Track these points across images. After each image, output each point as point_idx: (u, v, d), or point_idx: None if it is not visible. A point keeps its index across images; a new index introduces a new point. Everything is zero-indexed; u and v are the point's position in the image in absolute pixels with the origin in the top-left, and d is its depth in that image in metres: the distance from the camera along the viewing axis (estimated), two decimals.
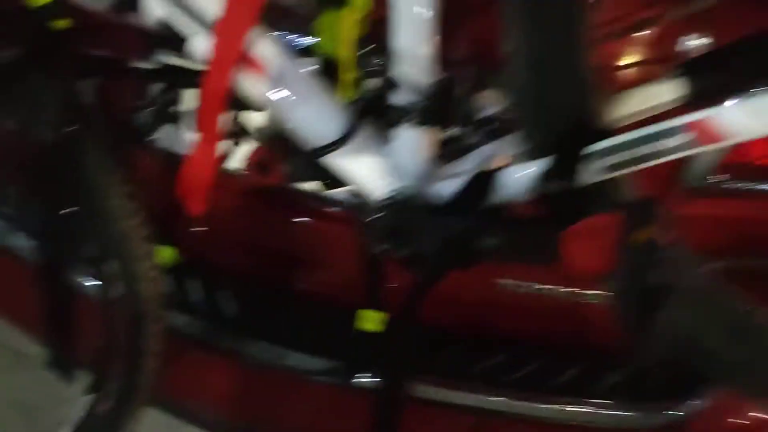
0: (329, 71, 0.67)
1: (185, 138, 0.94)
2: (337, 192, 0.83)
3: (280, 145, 0.72)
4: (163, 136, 0.93)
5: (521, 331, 0.91)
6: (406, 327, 0.78)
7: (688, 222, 0.80)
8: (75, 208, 0.78)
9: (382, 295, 0.81)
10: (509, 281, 0.87)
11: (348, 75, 0.68)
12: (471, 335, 0.92)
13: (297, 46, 0.83)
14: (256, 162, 0.78)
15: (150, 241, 0.81)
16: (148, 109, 0.84)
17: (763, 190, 0.80)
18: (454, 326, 0.90)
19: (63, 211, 0.79)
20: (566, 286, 0.87)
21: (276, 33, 0.81)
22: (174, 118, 0.86)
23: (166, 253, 0.90)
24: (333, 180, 0.73)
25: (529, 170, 0.59)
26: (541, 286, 0.87)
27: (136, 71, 0.90)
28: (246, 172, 0.86)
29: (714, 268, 0.64)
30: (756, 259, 0.77)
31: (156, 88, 0.87)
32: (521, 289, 0.87)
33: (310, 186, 0.96)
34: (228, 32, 0.59)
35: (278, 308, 1.02)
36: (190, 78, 0.79)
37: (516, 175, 0.60)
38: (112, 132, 0.81)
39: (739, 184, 0.81)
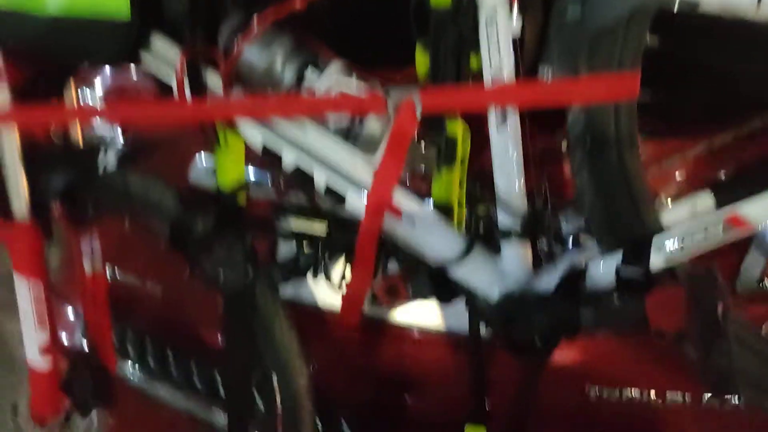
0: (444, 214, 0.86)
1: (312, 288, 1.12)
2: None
3: (409, 267, 0.90)
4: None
5: None
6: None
7: None
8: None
9: (485, 411, 0.91)
10: (597, 388, 0.99)
11: (459, 214, 0.88)
12: None
13: None
14: (386, 286, 0.95)
15: (305, 361, 0.97)
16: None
17: None
18: None
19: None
20: (651, 392, 0.98)
21: None
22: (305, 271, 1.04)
23: None
24: (449, 294, 0.91)
25: (609, 262, 0.76)
26: (628, 393, 0.98)
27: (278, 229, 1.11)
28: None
29: None
30: None
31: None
32: (609, 395, 0.98)
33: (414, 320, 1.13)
34: (380, 189, 0.79)
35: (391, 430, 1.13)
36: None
37: (600, 267, 0.77)
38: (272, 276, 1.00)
39: None
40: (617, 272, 0.74)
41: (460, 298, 0.90)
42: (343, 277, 0.99)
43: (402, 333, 1.13)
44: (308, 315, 1.02)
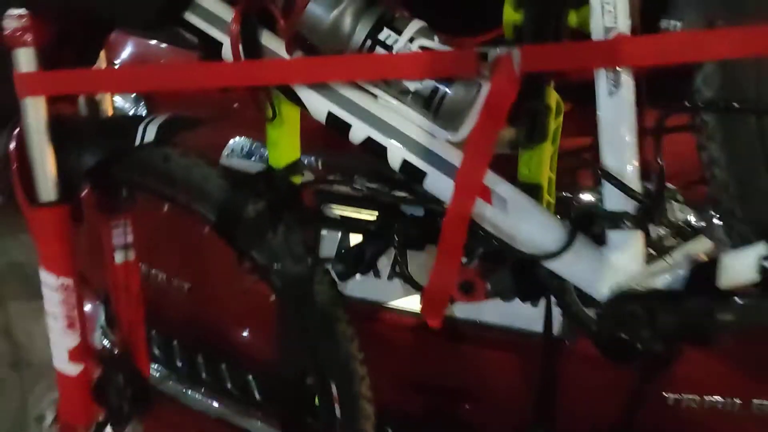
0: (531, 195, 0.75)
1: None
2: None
3: (489, 261, 0.78)
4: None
5: None
6: None
7: None
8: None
9: (554, 422, 0.83)
10: (677, 395, 0.90)
11: (549, 196, 0.76)
12: None
13: None
14: (462, 282, 0.83)
15: (365, 363, 0.85)
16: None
17: None
18: None
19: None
20: (733, 398, 0.89)
21: None
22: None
23: None
24: (535, 292, 0.78)
25: (748, 253, 0.63)
26: (710, 398, 0.90)
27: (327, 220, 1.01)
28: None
29: None
30: None
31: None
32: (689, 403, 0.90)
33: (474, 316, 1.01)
34: (473, 164, 0.67)
35: None
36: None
37: (737, 259, 0.64)
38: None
39: None
40: (761, 265, 0.61)
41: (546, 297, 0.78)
42: (405, 269, 0.88)
43: (457, 331, 1.03)
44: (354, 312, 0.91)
